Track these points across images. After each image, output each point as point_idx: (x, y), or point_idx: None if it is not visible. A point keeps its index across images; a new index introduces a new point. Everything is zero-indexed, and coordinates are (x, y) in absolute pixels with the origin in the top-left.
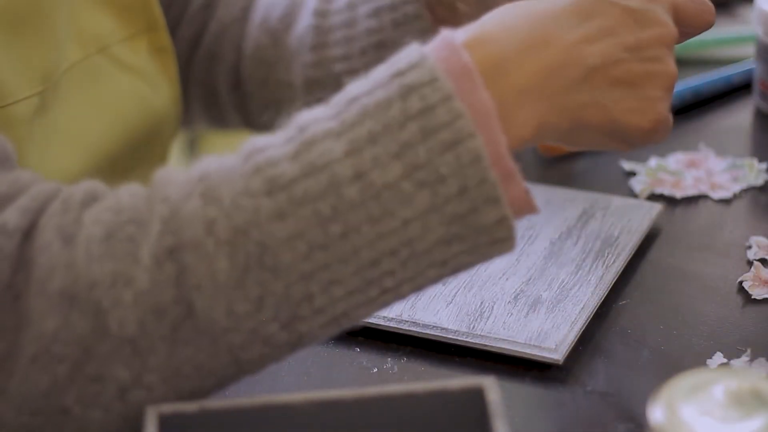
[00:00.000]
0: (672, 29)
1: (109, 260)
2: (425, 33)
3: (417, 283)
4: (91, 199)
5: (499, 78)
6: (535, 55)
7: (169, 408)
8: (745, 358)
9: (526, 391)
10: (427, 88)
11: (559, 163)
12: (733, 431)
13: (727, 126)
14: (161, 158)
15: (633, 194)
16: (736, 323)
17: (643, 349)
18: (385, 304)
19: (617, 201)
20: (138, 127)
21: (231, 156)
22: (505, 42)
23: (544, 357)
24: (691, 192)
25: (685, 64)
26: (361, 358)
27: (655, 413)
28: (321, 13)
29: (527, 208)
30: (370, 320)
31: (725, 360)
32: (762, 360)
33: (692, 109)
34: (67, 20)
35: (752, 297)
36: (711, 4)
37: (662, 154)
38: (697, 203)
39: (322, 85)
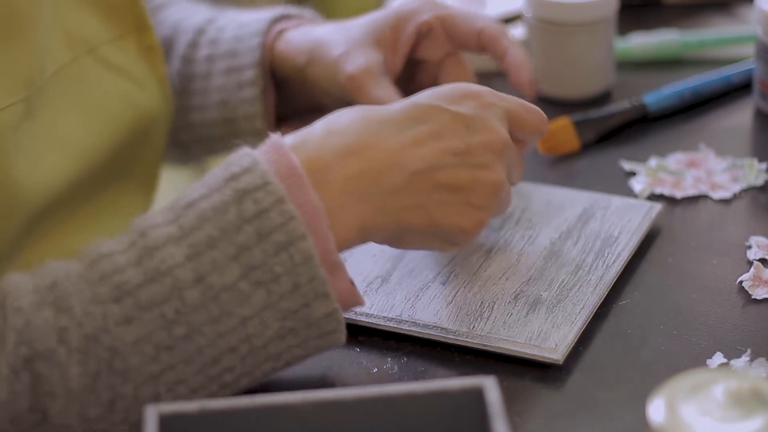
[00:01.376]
0: (503, 136)
1: None
2: (254, 102)
3: (253, 376)
4: None
5: (321, 180)
6: (356, 159)
7: (169, 408)
8: (745, 358)
9: (526, 391)
10: (260, 192)
11: (559, 163)
12: (733, 431)
13: (727, 126)
14: (153, 159)
15: (633, 194)
16: (736, 323)
17: (643, 349)
18: (223, 396)
19: (617, 201)
20: (128, 128)
21: (75, 262)
22: (329, 146)
23: (544, 357)
24: (691, 192)
25: (685, 64)
26: (361, 358)
27: (655, 413)
28: (186, 60)
29: (353, 299)
30: (370, 320)
31: (725, 360)
32: (762, 360)
33: (692, 109)
34: (53, 23)
35: (752, 297)
36: (542, 114)
37: (662, 154)
38: (697, 203)
39: (184, 130)
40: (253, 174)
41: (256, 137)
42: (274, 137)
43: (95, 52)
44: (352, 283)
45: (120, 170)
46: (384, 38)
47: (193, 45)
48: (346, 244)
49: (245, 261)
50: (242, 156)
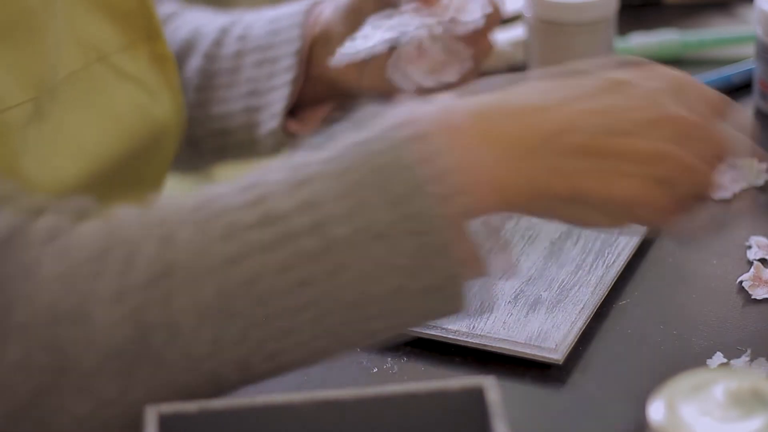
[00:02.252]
0: (693, 117)
1: (69, 296)
2: (294, 83)
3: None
4: (52, 235)
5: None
6: (529, 119)
7: (169, 408)
8: (745, 358)
9: (526, 391)
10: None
11: None
12: (733, 431)
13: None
14: (161, 168)
15: None
16: (736, 323)
17: (643, 349)
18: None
19: None
20: (138, 136)
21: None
22: (462, 108)
23: (544, 357)
24: None
25: (685, 64)
26: (361, 358)
27: (655, 413)
28: (210, 57)
29: (476, 267)
30: None
31: (725, 360)
32: (762, 360)
33: None
34: (65, 28)
35: (752, 297)
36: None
37: None
38: None
39: (199, 124)
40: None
41: (272, 123)
42: (449, 97)
43: (107, 60)
44: (478, 249)
45: (129, 177)
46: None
47: (218, 43)
48: (484, 210)
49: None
50: (411, 121)
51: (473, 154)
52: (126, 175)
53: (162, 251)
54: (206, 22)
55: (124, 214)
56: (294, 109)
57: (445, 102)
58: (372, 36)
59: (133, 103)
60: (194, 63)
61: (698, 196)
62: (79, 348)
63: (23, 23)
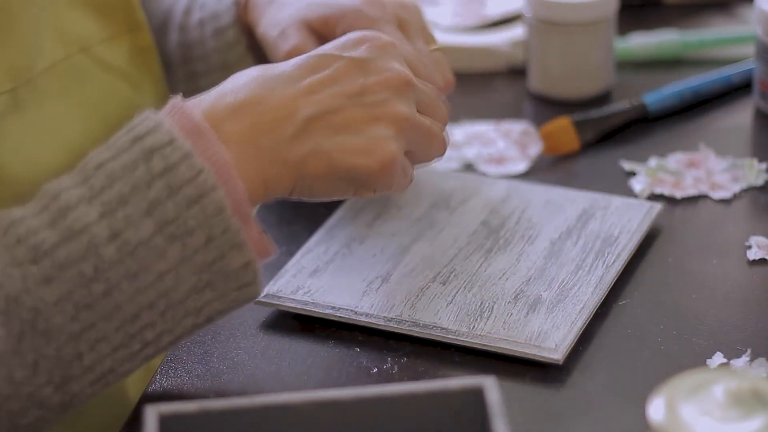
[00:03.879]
0: (400, 72)
1: None
2: (247, 54)
3: (175, 333)
4: None
5: (217, 138)
6: (247, 114)
7: (169, 408)
8: (745, 358)
9: (526, 391)
10: (167, 149)
11: (559, 163)
12: (733, 431)
13: (727, 126)
14: None
15: (633, 194)
16: (736, 323)
17: (643, 349)
18: (148, 358)
19: (617, 201)
20: (122, 127)
21: None
22: (221, 105)
23: (544, 357)
24: (691, 192)
25: (685, 64)
26: (361, 358)
27: (655, 413)
28: (183, 29)
29: (264, 251)
30: (370, 320)
31: (725, 360)
32: (762, 360)
33: (692, 109)
34: (46, 19)
35: (753, 297)
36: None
37: (662, 154)
38: (697, 203)
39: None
40: (158, 133)
41: None
42: (175, 99)
43: (88, 51)
44: (264, 232)
45: None
46: (314, 27)
47: (187, 12)
48: (253, 200)
49: (158, 216)
50: (145, 118)
51: (232, 150)
52: None
53: None
54: None
55: None
56: None
57: (196, 103)
58: None
59: (115, 95)
60: (172, 36)
61: (434, 157)
62: None
63: None
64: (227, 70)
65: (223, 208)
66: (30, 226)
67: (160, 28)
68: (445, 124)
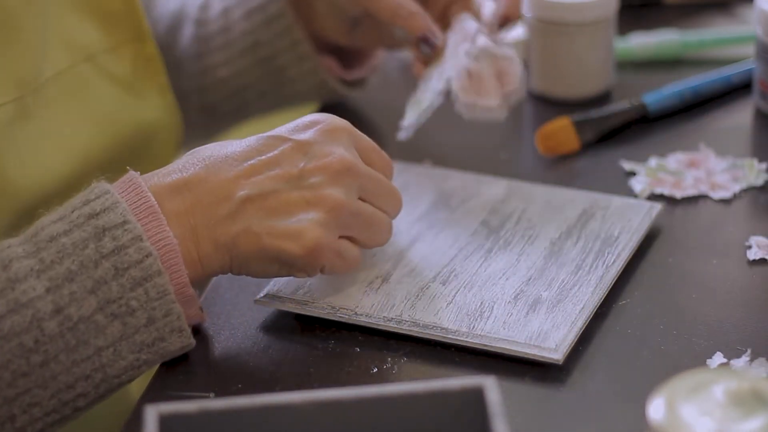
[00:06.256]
0: (342, 157)
1: None
2: (291, 30)
3: (105, 399)
4: None
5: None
6: (187, 194)
7: (169, 408)
8: (745, 358)
9: (526, 391)
10: (119, 230)
11: (559, 163)
12: (733, 431)
13: (727, 126)
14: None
15: (633, 194)
16: (736, 323)
17: (643, 349)
18: (78, 416)
19: (617, 201)
20: (127, 136)
21: None
22: (164, 185)
23: (544, 357)
24: (691, 192)
25: (685, 64)
26: (361, 358)
27: (655, 413)
28: (200, 23)
29: (198, 321)
30: (370, 320)
31: (725, 360)
32: (762, 360)
33: (692, 109)
34: (51, 29)
35: (753, 297)
36: (388, 158)
37: (662, 154)
38: (697, 203)
39: (212, 90)
40: (113, 213)
41: (303, 64)
42: (131, 174)
43: (93, 60)
44: (201, 309)
45: (118, 178)
46: None
47: (205, 7)
48: (192, 279)
49: (102, 294)
50: (103, 193)
51: (171, 228)
52: (115, 176)
53: None
54: None
55: None
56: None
57: (148, 177)
58: (424, 96)
59: (119, 104)
60: (187, 32)
61: (378, 243)
62: None
63: (2, 24)
64: (258, 49)
65: (166, 293)
66: None
67: (170, 29)
68: (395, 211)
